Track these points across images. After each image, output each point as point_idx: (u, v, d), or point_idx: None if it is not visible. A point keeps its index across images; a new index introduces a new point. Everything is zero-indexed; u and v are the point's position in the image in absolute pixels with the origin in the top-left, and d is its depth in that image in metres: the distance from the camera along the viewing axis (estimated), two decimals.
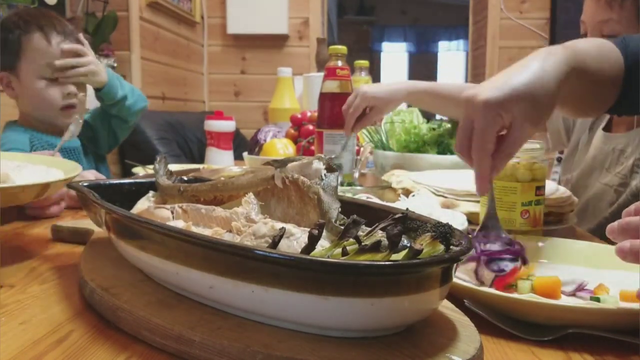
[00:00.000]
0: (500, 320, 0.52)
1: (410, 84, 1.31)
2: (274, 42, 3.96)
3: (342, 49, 1.24)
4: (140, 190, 0.73)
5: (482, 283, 0.61)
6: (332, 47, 1.25)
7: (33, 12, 1.53)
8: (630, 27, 1.21)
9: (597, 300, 0.56)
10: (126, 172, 2.56)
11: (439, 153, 1.30)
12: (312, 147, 1.42)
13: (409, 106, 1.51)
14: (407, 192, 0.96)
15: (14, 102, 1.50)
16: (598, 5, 1.23)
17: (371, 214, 0.54)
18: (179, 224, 0.59)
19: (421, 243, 0.43)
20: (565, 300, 0.58)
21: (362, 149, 1.55)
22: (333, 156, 1.01)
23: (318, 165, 0.59)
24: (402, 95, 1.28)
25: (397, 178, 1.03)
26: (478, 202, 0.87)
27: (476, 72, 4.16)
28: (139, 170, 1.43)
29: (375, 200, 0.85)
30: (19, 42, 1.39)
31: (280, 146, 1.49)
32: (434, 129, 1.34)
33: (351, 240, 0.46)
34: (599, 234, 1.19)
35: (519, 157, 0.78)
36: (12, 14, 1.53)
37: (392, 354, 0.42)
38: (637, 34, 1.16)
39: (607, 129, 1.29)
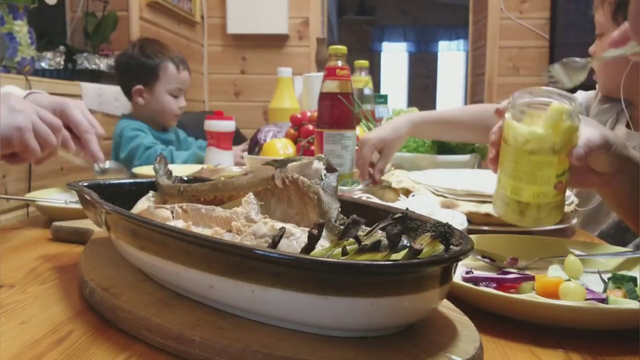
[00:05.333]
0: None
1: (410, 117, 1.30)
2: (274, 42, 3.96)
3: (342, 49, 1.24)
4: (140, 190, 0.73)
5: None
6: (332, 47, 1.25)
7: (161, 44, 2.17)
8: (609, 26, 1.23)
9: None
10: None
11: (439, 153, 1.30)
12: (312, 147, 1.41)
13: (408, 109, 1.51)
14: (407, 192, 0.96)
15: None
16: (595, 8, 1.27)
17: (371, 214, 0.54)
18: (179, 224, 0.59)
19: (421, 243, 0.43)
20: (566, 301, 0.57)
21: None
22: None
23: (318, 165, 0.58)
24: (406, 129, 1.28)
25: (397, 178, 1.03)
26: (478, 202, 0.87)
27: (476, 72, 4.16)
28: (139, 170, 1.43)
29: (375, 200, 0.85)
30: (158, 67, 2.05)
31: (280, 146, 1.49)
32: None
33: (351, 240, 0.46)
34: (608, 236, 1.18)
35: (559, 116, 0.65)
36: (144, 45, 2.11)
37: (392, 354, 0.42)
38: (612, 34, 1.18)
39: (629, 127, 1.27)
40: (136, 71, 2.07)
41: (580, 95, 1.36)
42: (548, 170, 0.66)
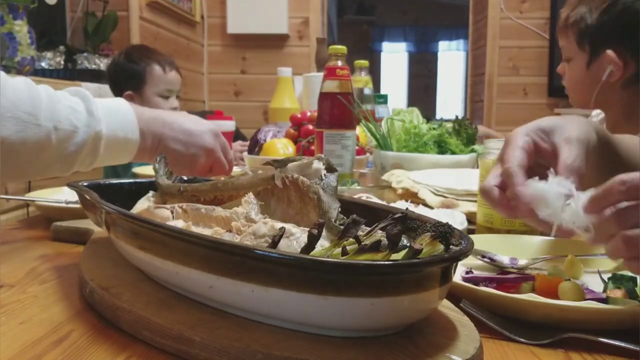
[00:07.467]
0: (498, 322, 0.52)
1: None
2: (274, 42, 3.96)
3: (342, 48, 1.24)
4: (140, 190, 0.73)
5: None
6: (332, 47, 1.25)
7: (147, 49, 2.23)
8: (572, 52, 1.28)
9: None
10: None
11: (439, 153, 1.29)
12: (312, 147, 1.41)
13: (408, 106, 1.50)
14: (407, 193, 0.96)
15: None
16: (558, 33, 1.36)
17: (371, 214, 0.54)
18: (179, 224, 0.59)
19: (421, 243, 0.43)
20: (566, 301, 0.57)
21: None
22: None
23: (318, 165, 0.58)
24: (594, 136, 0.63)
25: (397, 178, 1.03)
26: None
27: (476, 72, 4.17)
28: (139, 170, 1.43)
29: (375, 200, 0.85)
30: (144, 72, 2.09)
31: (280, 146, 1.49)
32: (434, 129, 1.34)
33: (351, 240, 0.46)
34: None
35: None
36: (130, 51, 2.18)
37: (392, 354, 0.42)
38: (579, 58, 1.25)
39: None
40: (124, 78, 2.13)
41: None
42: None
